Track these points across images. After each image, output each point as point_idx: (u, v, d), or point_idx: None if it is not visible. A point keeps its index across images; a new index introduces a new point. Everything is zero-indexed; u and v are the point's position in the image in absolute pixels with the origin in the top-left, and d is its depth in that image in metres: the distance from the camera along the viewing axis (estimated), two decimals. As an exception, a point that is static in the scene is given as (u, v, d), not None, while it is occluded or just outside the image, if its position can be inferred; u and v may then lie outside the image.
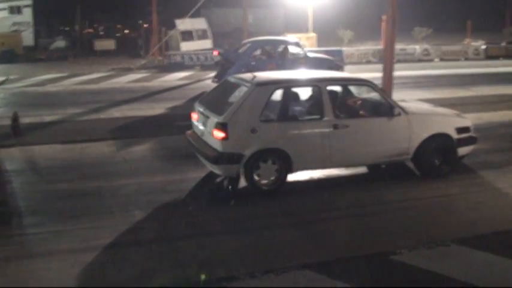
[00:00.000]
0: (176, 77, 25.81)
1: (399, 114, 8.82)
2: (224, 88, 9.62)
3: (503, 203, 8.06)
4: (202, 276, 5.66)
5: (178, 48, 36.86)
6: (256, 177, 8.24)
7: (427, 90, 19.33)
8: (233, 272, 5.80)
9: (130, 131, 13.32)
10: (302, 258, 6.10)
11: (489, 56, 37.43)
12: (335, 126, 8.45)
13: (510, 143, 11.44)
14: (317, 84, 8.77)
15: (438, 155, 9.10)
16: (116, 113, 15.68)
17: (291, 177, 8.70)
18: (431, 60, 34.99)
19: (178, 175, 9.34)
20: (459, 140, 9.23)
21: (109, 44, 42.27)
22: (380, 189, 8.64)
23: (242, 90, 8.66)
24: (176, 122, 13.14)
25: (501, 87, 20.67)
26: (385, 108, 8.88)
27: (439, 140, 9.06)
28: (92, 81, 23.92)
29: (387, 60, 14.72)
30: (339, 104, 9.02)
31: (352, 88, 9.79)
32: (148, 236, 6.75)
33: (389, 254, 6.19)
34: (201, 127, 8.89)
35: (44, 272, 5.79)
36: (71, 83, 23.12)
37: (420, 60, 34.66)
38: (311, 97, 9.33)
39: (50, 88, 21.66)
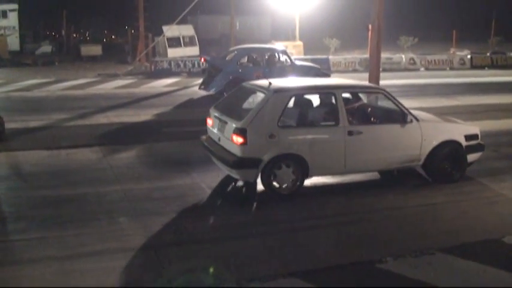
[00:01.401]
0: (163, 83, 25.79)
1: (411, 122, 9.02)
2: (239, 94, 9.76)
3: (488, 212, 8.11)
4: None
5: (165, 54, 36.86)
6: (273, 182, 8.41)
7: (413, 99, 19.43)
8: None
9: (116, 137, 13.27)
10: (288, 266, 6.09)
11: (474, 66, 37.79)
12: (350, 133, 8.63)
13: (495, 152, 11.53)
14: (332, 91, 8.96)
15: (449, 161, 9.35)
16: (102, 119, 15.62)
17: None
18: (417, 70, 35.27)
19: (164, 182, 9.31)
20: (468, 147, 9.49)
21: (95, 50, 42.18)
22: (367, 198, 8.67)
23: (259, 96, 8.88)
24: (162, 128, 13.11)
25: (486, 97, 20.90)
26: (398, 116, 9.08)
27: (449, 147, 9.31)
28: (78, 86, 23.83)
29: (373, 69, 14.84)
30: (353, 111, 9.23)
31: (365, 95, 10.02)
32: (134, 243, 6.70)
33: (375, 263, 6.20)
34: (217, 132, 9.04)
35: (28, 280, 5.73)
36: (57, 89, 23.02)
37: (406, 69, 34.92)
38: (326, 104, 9.46)
39: (36, 93, 21.55)
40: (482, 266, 6.16)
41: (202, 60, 22.62)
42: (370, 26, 15.35)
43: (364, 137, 8.74)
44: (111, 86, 24.23)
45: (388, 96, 9.23)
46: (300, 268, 6.06)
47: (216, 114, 9.13)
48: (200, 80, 21.70)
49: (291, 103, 8.75)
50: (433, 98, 20.24)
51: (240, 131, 8.13)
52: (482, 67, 37.94)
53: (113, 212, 7.78)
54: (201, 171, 9.85)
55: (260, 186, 8.55)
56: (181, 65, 32.02)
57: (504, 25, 75.43)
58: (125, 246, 6.60)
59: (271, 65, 20.25)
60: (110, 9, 68.34)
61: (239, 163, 8.21)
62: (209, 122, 9.50)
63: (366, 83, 11.99)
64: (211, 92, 19.72)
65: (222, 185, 9.20)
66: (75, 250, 6.44)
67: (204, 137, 9.74)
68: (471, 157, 9.59)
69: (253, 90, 9.40)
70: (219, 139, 8.95)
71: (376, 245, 6.80)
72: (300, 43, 39.48)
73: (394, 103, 9.17)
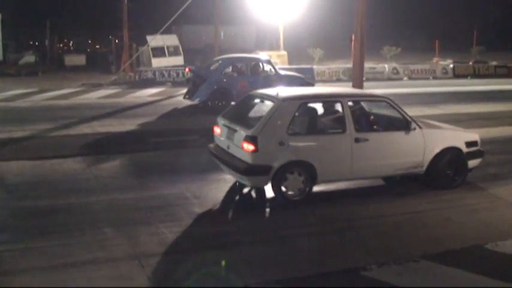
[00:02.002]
0: (147, 93, 25.76)
1: (415, 129, 9.24)
2: (247, 103, 9.95)
3: (471, 219, 8.19)
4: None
5: (149, 64, 36.83)
6: (283, 188, 8.55)
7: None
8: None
9: (101, 147, 13.24)
10: (274, 274, 6.11)
11: (457, 75, 38.24)
12: (356, 140, 8.83)
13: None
14: (339, 100, 9.19)
15: (450, 167, 9.60)
16: (86, 129, 15.56)
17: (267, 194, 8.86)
18: (400, 79, 35.61)
19: (149, 192, 9.29)
20: (468, 153, 9.75)
21: (79, 60, 42.04)
22: (351, 206, 8.72)
23: (267, 105, 9.09)
24: (148, 138, 13.09)
25: (469, 106, 21.14)
26: (402, 123, 9.30)
27: (450, 154, 9.55)
28: (62, 96, 23.73)
29: (356, 78, 14.99)
30: (359, 119, 9.41)
31: (370, 104, 10.23)
32: (119, 253, 6.68)
33: (360, 270, 6.25)
34: (226, 140, 9.20)
35: (12, 290, 5.70)
36: (41, 99, 22.90)
37: (389, 79, 35.24)
38: (334, 112, 9.63)
39: (19, 104, 21.44)
40: (466, 273, 6.23)
41: (187, 69, 22.68)
42: (353, 37, 15.52)
43: (370, 144, 8.96)
44: (95, 96, 24.17)
45: (392, 104, 9.46)
46: (284, 276, 6.08)
47: (225, 123, 9.31)
48: (184, 90, 21.71)
49: (300, 111, 8.92)
50: (415, 107, 20.29)
51: (251, 139, 8.29)
52: (464, 76, 38.42)
53: (97, 222, 7.74)
54: (187, 181, 9.86)
55: (244, 194, 8.58)
56: (166, 75, 32.03)
57: (485, 35, 76.38)
58: (110, 256, 6.58)
59: (255, 75, 20.32)
60: (94, 19, 68.10)
61: (250, 170, 8.38)
62: (217, 130, 9.66)
63: (371, 91, 12.33)
64: (196, 101, 19.74)
65: (207, 194, 9.20)
66: (60, 260, 6.39)
67: (212, 145, 9.90)
68: (472, 163, 9.84)
69: (260, 99, 9.65)
70: (228, 147, 9.10)
71: (361, 252, 6.83)
72: (284, 53, 39.70)
73: (398, 111, 9.40)
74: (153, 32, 35.07)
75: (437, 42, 54.34)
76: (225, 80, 19.88)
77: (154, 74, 32.10)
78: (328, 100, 9.70)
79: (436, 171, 9.49)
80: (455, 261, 6.54)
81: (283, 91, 9.47)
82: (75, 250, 6.72)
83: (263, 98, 9.55)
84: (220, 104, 19.34)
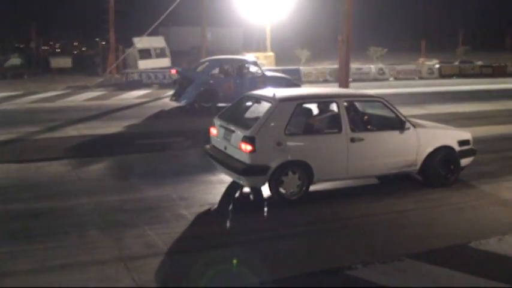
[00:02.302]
0: (134, 95, 25.70)
1: (409, 128, 9.42)
2: (244, 104, 10.11)
3: (456, 218, 8.26)
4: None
5: (136, 66, 36.73)
6: (281, 188, 8.65)
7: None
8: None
9: (87, 149, 13.20)
10: (259, 275, 6.12)
11: (443, 75, 38.49)
12: (352, 140, 8.97)
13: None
14: (335, 100, 9.30)
15: (444, 166, 9.78)
16: (72, 131, 15.51)
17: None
18: (386, 79, 35.76)
19: (135, 194, 9.28)
20: (461, 152, 9.95)
21: (65, 62, 41.75)
22: (337, 206, 8.75)
23: (264, 105, 9.20)
24: (134, 140, 13.06)
25: (454, 106, 21.29)
26: (396, 123, 9.47)
27: (443, 152, 9.74)
28: (48, 99, 23.61)
29: (342, 79, 15.06)
30: (354, 119, 9.55)
31: (364, 104, 10.38)
32: (105, 255, 6.67)
33: (345, 269, 6.28)
34: (223, 141, 9.29)
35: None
36: (27, 101, 22.78)
37: (375, 80, 35.40)
38: (329, 112, 9.67)
39: (5, 106, 21.30)
40: (450, 271, 6.28)
41: (174, 71, 22.61)
42: (340, 38, 15.60)
43: (365, 144, 9.11)
44: (81, 99, 24.07)
45: (386, 104, 9.60)
46: (270, 277, 6.10)
47: (222, 124, 9.42)
48: (171, 92, 21.68)
49: (296, 112, 9.01)
50: (401, 107, 20.26)
51: (249, 139, 8.39)
52: (450, 76, 38.69)
53: (83, 225, 7.72)
54: (173, 183, 9.86)
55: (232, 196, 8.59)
56: (153, 77, 31.96)
57: (471, 35, 77.03)
58: (95, 259, 6.56)
59: (242, 76, 20.35)
60: (80, 21, 67.80)
61: (248, 170, 8.47)
62: (213, 131, 9.77)
63: (365, 91, 12.53)
64: (183, 103, 19.72)
65: (194, 196, 9.20)
66: (45, 264, 6.37)
67: (208, 146, 9.99)
68: (464, 161, 10.04)
69: (257, 100, 9.81)
70: (225, 147, 9.20)
71: (346, 252, 6.87)
72: (271, 54, 39.78)
73: (392, 111, 9.54)
74: (140, 33, 35.01)
75: (423, 43, 54.70)
76: (211, 82, 19.88)
77: (140, 76, 32.01)
78: (324, 100, 9.77)
79: (429, 169, 9.67)
80: (439, 260, 6.58)
81: (280, 92, 9.59)
82: (60, 253, 6.69)
83: (259, 99, 9.67)
84: (207, 105, 19.35)
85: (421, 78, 37.38)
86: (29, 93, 25.69)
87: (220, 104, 19.70)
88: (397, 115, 9.51)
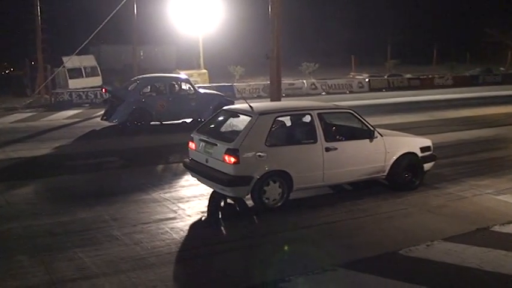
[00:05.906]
0: (64, 115, 25.16)
1: (377, 137, 10.07)
2: (222, 118, 10.44)
3: (386, 226, 8.52)
4: None
5: (66, 85, 36.01)
6: (263, 197, 9.06)
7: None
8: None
9: (14, 172, 12.82)
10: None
11: (373, 88, 39.62)
12: (326, 149, 9.48)
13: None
14: (310, 113, 9.74)
15: (409, 171, 10.47)
16: (-1, 154, 15.01)
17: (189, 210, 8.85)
18: (318, 94, 36.45)
19: (66, 216, 9.05)
20: (423, 157, 10.70)
21: (-9, 83, 40.46)
22: (270, 220, 8.84)
23: (244, 119, 9.57)
24: (64, 161, 12.75)
25: (383, 118, 21.85)
26: (365, 132, 10.11)
27: (408, 158, 10.42)
28: (-27, 122, 22.77)
29: (274, 94, 15.30)
30: (328, 129, 10.07)
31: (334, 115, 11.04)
32: (34, 281, 6.47)
33: (279, 282, 6.34)
34: (203, 154, 9.61)
35: None
36: (-51, 125, 21.89)
37: (308, 94, 36.04)
38: (305, 124, 10.01)
39: None
40: (382, 279, 6.46)
41: (104, 90, 22.28)
42: (269, 55, 15.84)
43: (339, 153, 9.64)
44: (8, 120, 23.36)
45: (355, 115, 10.16)
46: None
47: (202, 138, 9.75)
48: (103, 111, 21.34)
49: (275, 124, 9.49)
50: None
51: (233, 151, 8.78)
52: (380, 89, 39.87)
53: (11, 250, 7.48)
54: (105, 204, 9.70)
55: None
56: (83, 96, 31.37)
57: (400, 48, 79.61)
58: (24, 285, 6.37)
59: (174, 94, 20.24)
60: (6, 40, 65.77)
61: (232, 181, 8.84)
62: (192, 145, 10.10)
63: (336, 104, 13.24)
64: (114, 122, 19.40)
65: (126, 215, 9.07)
66: (-30, 293, 6.15)
67: (187, 160, 10.27)
68: (427, 166, 10.81)
69: (235, 114, 10.20)
70: (207, 160, 9.48)
71: (279, 265, 6.94)
72: (205, 71, 39.84)
73: (361, 121, 10.17)
74: (70, 52, 34.34)
75: (353, 58, 56.12)
76: (143, 100, 19.67)
77: (71, 95, 31.31)
78: (299, 113, 10.14)
79: (396, 175, 10.31)
80: (370, 268, 6.77)
81: (258, 106, 9.99)
82: (-14, 281, 6.46)
83: (238, 113, 10.09)
84: (139, 124, 19.13)
85: (351, 92, 38.32)
86: (-48, 116, 24.72)
87: (153, 123, 19.55)
88: (365, 125, 10.07)
